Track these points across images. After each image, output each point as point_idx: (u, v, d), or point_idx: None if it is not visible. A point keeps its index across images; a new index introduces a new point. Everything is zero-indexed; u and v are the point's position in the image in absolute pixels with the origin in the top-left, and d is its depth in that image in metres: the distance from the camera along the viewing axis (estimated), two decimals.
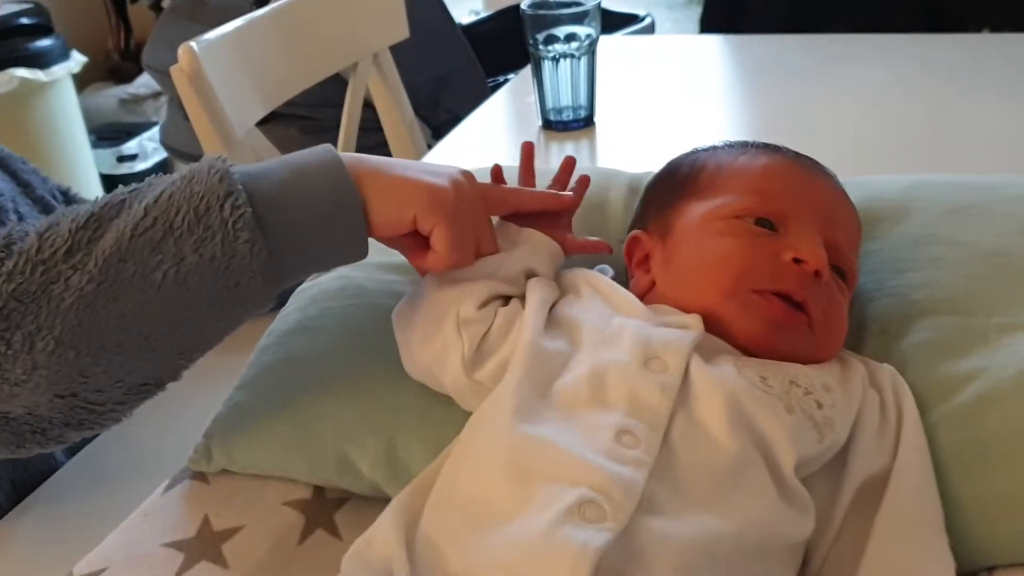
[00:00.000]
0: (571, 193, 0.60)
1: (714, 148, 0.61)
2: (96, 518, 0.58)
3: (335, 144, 1.26)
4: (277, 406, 0.57)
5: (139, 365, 0.49)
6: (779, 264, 0.52)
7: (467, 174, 0.54)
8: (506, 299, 0.54)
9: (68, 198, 0.79)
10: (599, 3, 1.23)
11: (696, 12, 5.11)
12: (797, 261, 0.52)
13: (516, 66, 1.96)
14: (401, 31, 1.36)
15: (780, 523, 0.45)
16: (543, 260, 0.56)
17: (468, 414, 0.53)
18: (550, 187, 0.61)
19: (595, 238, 0.60)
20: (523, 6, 1.23)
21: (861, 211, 0.61)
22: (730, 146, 0.61)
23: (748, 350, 0.51)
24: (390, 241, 0.54)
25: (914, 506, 0.48)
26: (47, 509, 0.63)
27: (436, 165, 0.55)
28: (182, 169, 0.49)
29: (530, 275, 0.55)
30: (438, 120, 1.70)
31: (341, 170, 0.49)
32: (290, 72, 1.21)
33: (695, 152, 0.62)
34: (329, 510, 0.56)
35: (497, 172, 0.60)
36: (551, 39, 1.23)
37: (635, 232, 0.59)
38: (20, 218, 0.68)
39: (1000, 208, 0.62)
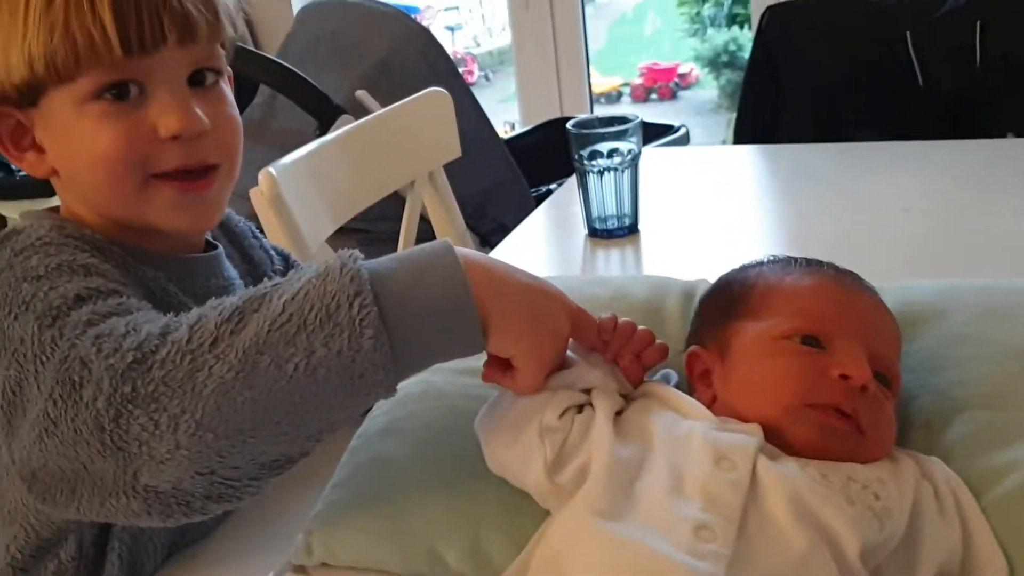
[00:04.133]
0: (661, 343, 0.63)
1: (761, 265, 0.68)
2: None
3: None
4: (370, 503, 0.63)
5: (271, 447, 0.54)
6: (827, 380, 0.58)
7: (568, 307, 0.59)
8: (579, 407, 0.60)
9: (288, 264, 0.87)
10: (640, 121, 1.31)
11: (724, 117, 5.27)
12: (844, 377, 0.58)
13: (555, 176, 2.06)
14: (454, 150, 1.45)
15: None
16: (613, 380, 0.62)
17: (546, 510, 0.58)
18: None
19: (659, 342, 0.64)
20: (568, 126, 1.32)
21: (899, 314, 0.67)
22: (775, 262, 0.67)
23: (806, 456, 0.57)
24: None
25: None
26: None
27: (546, 289, 0.59)
28: (319, 264, 0.55)
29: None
30: (485, 229, 1.80)
31: (461, 281, 0.54)
32: (355, 191, 1.30)
33: (744, 269, 0.68)
34: None
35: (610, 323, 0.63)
36: (595, 154, 1.31)
37: (694, 348, 0.65)
38: None
39: None
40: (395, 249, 1.39)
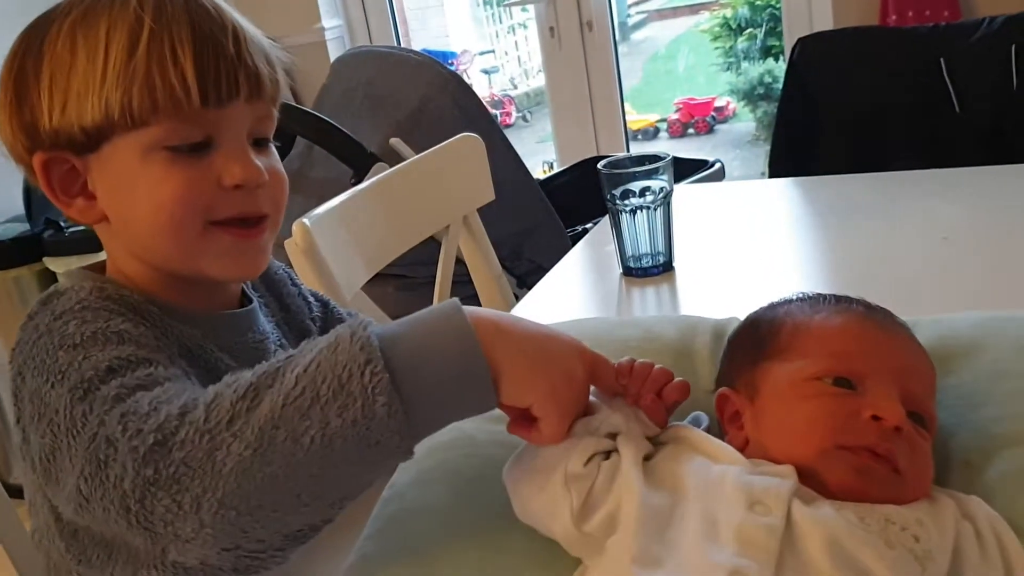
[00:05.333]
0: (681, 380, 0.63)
1: (789, 303, 0.67)
2: None
3: (431, 298, 1.35)
4: (401, 556, 0.63)
5: (294, 518, 0.54)
6: (860, 422, 0.57)
7: (583, 353, 0.60)
8: (606, 453, 0.59)
9: (328, 309, 0.88)
10: (671, 159, 1.31)
11: (762, 149, 5.24)
12: (876, 418, 0.57)
13: (591, 215, 2.06)
14: (488, 194, 1.47)
15: None
16: (637, 423, 0.61)
17: (576, 558, 0.58)
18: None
19: (678, 380, 0.63)
20: (600, 166, 1.32)
21: (935, 348, 0.65)
22: (804, 300, 0.66)
23: (841, 498, 0.55)
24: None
25: None
26: None
27: (556, 336, 0.59)
28: (330, 334, 0.55)
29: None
30: (522, 270, 1.80)
31: (470, 338, 0.54)
32: (390, 238, 1.32)
33: (773, 308, 0.68)
34: None
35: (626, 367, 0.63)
36: (627, 193, 1.31)
37: (724, 390, 0.65)
38: None
39: None
40: (432, 293, 1.41)
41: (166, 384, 0.58)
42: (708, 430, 0.63)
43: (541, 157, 4.85)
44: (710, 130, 5.77)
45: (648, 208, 1.30)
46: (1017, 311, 0.73)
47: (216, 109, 0.67)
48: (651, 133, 5.76)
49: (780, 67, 4.75)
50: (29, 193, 2.58)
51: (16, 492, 0.84)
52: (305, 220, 1.11)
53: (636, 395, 0.61)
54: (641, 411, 0.61)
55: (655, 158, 1.32)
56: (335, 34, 3.31)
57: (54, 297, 0.67)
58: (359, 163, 1.68)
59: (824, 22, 2.28)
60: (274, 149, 0.74)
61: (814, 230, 1.52)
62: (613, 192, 1.31)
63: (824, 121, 1.97)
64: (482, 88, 6.15)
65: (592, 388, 0.61)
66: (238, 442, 0.52)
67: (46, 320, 0.65)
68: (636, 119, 5.46)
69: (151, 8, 0.66)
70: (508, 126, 5.92)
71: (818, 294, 0.67)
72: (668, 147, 5.68)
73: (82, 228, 2.65)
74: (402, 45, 3.36)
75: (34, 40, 0.68)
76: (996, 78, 1.84)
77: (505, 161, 1.77)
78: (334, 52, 3.31)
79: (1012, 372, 0.64)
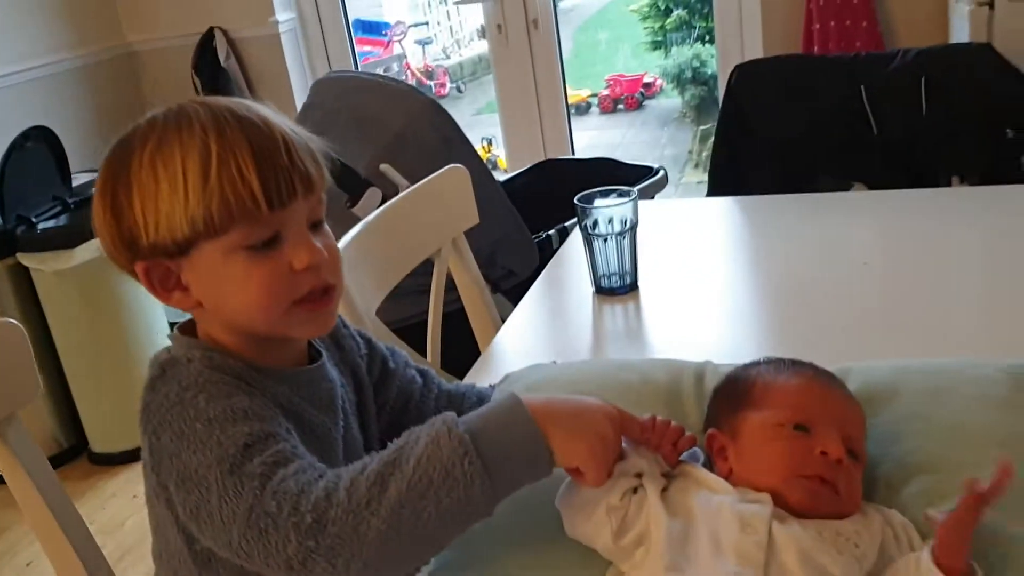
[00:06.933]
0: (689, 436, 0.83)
1: (758, 365, 0.88)
2: None
3: (426, 305, 1.53)
4: (475, 562, 0.82)
5: (412, 564, 0.75)
6: (813, 457, 0.79)
7: (612, 417, 0.79)
8: (634, 489, 0.80)
9: (371, 346, 1.04)
10: (637, 194, 1.52)
11: (689, 129, 5.42)
12: (824, 453, 0.78)
13: (547, 219, 2.25)
14: (473, 218, 1.64)
15: None
16: (656, 465, 0.82)
17: (608, 562, 0.79)
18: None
19: (688, 434, 0.84)
20: (576, 200, 1.52)
21: (862, 393, 0.88)
22: (769, 363, 0.88)
23: (801, 513, 0.77)
24: None
25: None
26: None
27: (590, 407, 0.79)
28: (429, 428, 0.74)
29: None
30: (496, 276, 1.98)
31: (533, 426, 0.75)
32: (392, 264, 1.49)
33: (747, 368, 0.89)
34: None
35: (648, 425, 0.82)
36: (597, 223, 1.51)
37: (712, 431, 0.86)
38: (344, 414, 0.93)
39: (963, 389, 0.89)
40: (419, 301, 1.58)
41: (296, 462, 0.76)
42: (704, 464, 0.84)
43: (478, 131, 4.95)
44: (639, 106, 5.97)
45: (618, 235, 1.51)
46: (926, 360, 0.96)
47: (280, 210, 0.79)
48: (584, 108, 5.92)
49: (708, 50, 4.96)
50: (0, 188, 2.63)
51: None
52: None
53: (657, 445, 0.82)
54: (660, 456, 0.82)
55: (624, 193, 1.52)
56: (288, 27, 3.40)
57: (173, 365, 0.83)
58: (354, 188, 1.84)
59: (755, 50, 2.51)
60: (327, 228, 0.88)
61: (750, 249, 1.74)
62: (586, 223, 1.51)
63: (758, 140, 2.19)
64: (416, 59, 6.21)
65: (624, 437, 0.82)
66: (376, 519, 0.71)
67: (175, 391, 0.80)
68: (570, 94, 5.64)
69: (214, 134, 0.78)
70: (443, 97, 5.98)
71: (779, 359, 0.88)
72: (600, 123, 5.86)
73: (54, 225, 2.73)
74: (346, 19, 3.44)
75: (121, 169, 0.81)
76: (909, 104, 2.08)
77: (478, 177, 1.94)
78: (288, 44, 3.39)
79: (921, 414, 0.87)
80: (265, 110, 0.83)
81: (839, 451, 0.78)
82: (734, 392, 0.87)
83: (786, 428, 0.80)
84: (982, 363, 0.93)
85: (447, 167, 1.63)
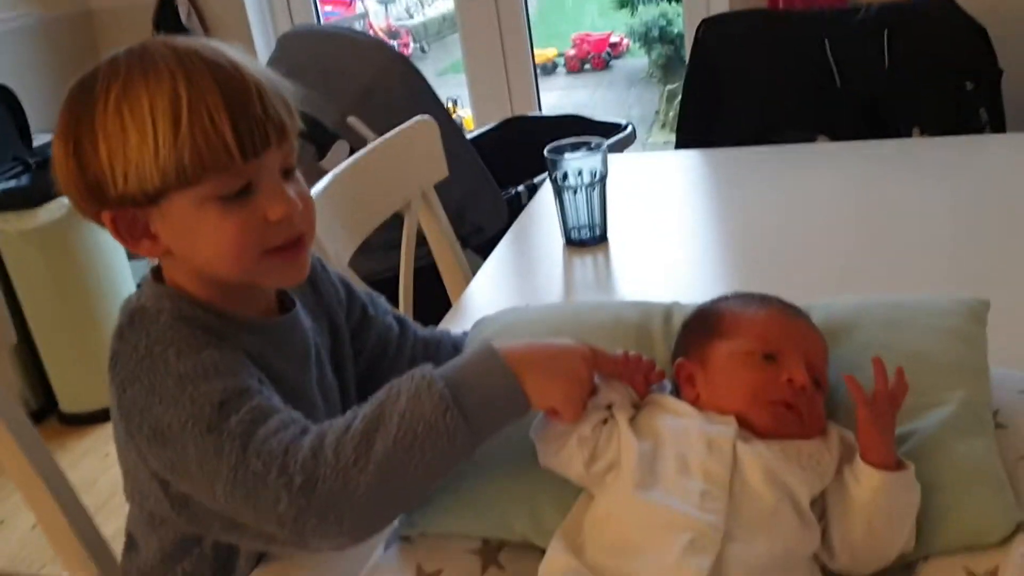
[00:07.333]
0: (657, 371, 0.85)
1: (727, 299, 0.91)
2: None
3: (397, 260, 1.54)
4: (456, 488, 0.84)
5: (404, 510, 0.80)
6: (779, 384, 0.82)
7: (585, 355, 0.81)
8: (604, 420, 0.82)
9: (349, 291, 1.05)
10: (606, 146, 1.54)
11: (656, 89, 5.42)
12: (790, 381, 0.81)
13: (516, 174, 2.26)
14: (442, 170, 1.66)
15: (801, 541, 0.75)
16: (627, 396, 0.84)
17: (579, 488, 0.82)
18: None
19: (658, 369, 0.86)
20: (546, 152, 1.53)
21: (825, 326, 0.91)
22: (738, 297, 0.91)
23: (766, 435, 0.81)
24: None
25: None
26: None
27: (564, 349, 0.80)
28: (407, 381, 0.76)
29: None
30: (464, 232, 1.99)
31: (509, 374, 0.77)
32: (362, 216, 1.50)
33: (716, 302, 0.92)
34: (494, 553, 0.83)
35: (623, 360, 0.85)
36: (566, 174, 1.53)
37: (681, 360, 0.88)
38: (319, 363, 0.95)
39: (921, 321, 0.92)
40: (390, 256, 1.59)
41: (274, 416, 0.77)
42: (671, 393, 0.87)
43: (444, 92, 4.92)
44: (606, 66, 5.96)
45: (588, 187, 1.53)
46: (883, 295, 0.99)
47: (253, 160, 0.78)
48: (550, 68, 5.90)
49: (675, 9, 4.96)
50: None
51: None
52: None
53: (629, 379, 0.85)
54: (631, 388, 0.85)
55: (594, 145, 1.53)
56: None
57: (140, 314, 0.82)
58: (321, 141, 1.83)
59: (721, 5, 2.52)
60: (299, 175, 0.86)
61: (718, 199, 1.78)
62: (555, 174, 1.53)
63: (725, 94, 2.21)
64: (378, 18, 6.13)
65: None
66: (364, 475, 0.73)
67: (144, 342, 0.79)
68: (536, 53, 5.60)
69: (183, 79, 0.76)
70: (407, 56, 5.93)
71: (747, 293, 0.91)
72: (567, 83, 5.85)
73: (16, 184, 2.70)
74: None
75: (84, 114, 0.77)
76: (872, 58, 2.11)
77: (447, 133, 1.95)
78: (250, 3, 3.34)
79: (880, 343, 0.90)
80: (236, 53, 0.81)
81: (804, 379, 0.82)
82: (704, 323, 0.90)
83: (755, 356, 0.83)
84: (940, 297, 0.97)
85: (415, 118, 1.63)
